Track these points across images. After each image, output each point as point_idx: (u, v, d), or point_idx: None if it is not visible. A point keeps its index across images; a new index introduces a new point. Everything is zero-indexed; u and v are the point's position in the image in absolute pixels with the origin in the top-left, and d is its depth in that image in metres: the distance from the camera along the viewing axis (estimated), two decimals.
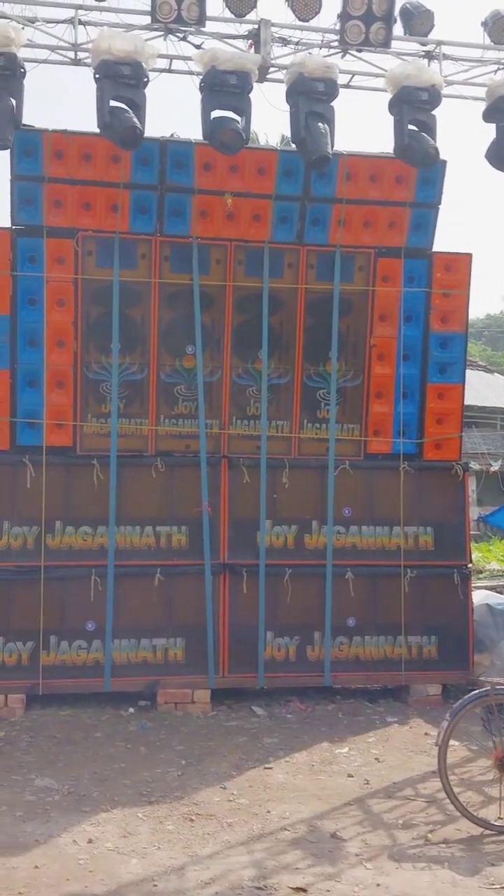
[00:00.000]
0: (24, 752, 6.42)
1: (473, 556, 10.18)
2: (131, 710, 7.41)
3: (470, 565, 8.25)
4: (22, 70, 6.59)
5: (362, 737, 6.96)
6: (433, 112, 7.07)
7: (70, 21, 6.86)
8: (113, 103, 6.60)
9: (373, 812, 5.50)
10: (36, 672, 7.34)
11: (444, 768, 5.18)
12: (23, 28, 6.67)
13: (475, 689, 5.55)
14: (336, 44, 7.12)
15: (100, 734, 6.85)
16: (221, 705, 7.56)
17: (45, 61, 7.06)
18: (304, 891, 4.42)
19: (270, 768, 6.21)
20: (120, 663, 7.51)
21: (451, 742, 5.35)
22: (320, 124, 6.81)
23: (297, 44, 7.20)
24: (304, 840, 5.05)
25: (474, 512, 19.52)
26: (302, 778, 6.05)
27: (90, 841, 4.96)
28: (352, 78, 7.55)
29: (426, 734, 6.99)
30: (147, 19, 6.82)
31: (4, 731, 6.85)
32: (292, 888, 4.44)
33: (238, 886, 4.45)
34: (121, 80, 6.58)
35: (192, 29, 6.90)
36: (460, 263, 8.16)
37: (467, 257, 8.19)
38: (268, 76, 7.20)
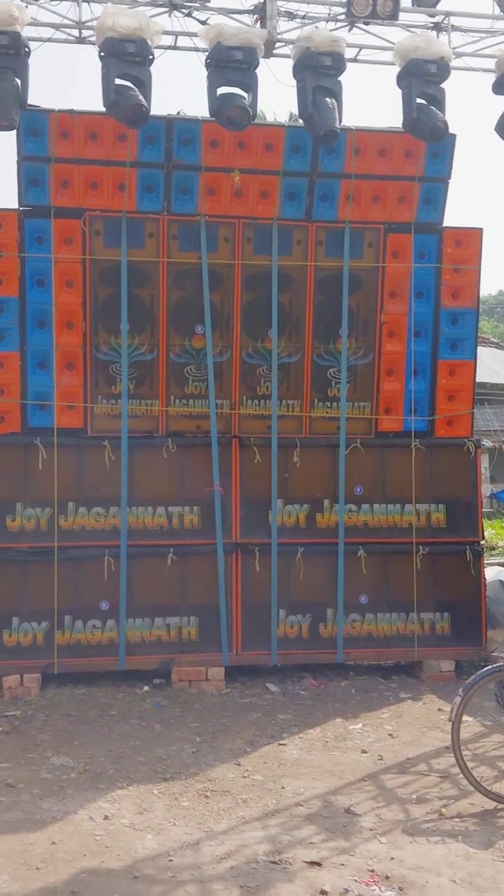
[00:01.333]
0: (40, 731, 6.49)
1: (486, 533, 10.17)
2: (146, 688, 7.47)
3: (482, 542, 8.23)
4: (26, 49, 6.54)
5: (376, 713, 7.00)
6: (442, 85, 6.98)
7: None
8: (118, 81, 6.55)
9: (386, 787, 5.53)
10: (51, 651, 7.40)
11: (458, 743, 5.20)
12: (26, 6, 6.61)
13: (488, 665, 5.57)
14: (343, 17, 7.04)
15: (115, 712, 6.92)
16: (235, 682, 7.61)
17: (49, 40, 7.00)
18: (319, 864, 4.46)
19: (284, 744, 6.26)
20: (134, 642, 7.57)
21: (465, 717, 5.37)
22: (328, 99, 6.74)
23: (303, 17, 7.12)
24: (319, 815, 5.09)
25: (486, 489, 19.51)
26: (316, 754, 6.10)
27: (106, 817, 5.02)
28: (359, 51, 7.46)
29: (439, 710, 7.02)
30: None
31: (21, 709, 6.93)
32: (307, 862, 4.49)
33: (253, 861, 4.50)
34: (126, 58, 6.52)
35: (197, 4, 6.83)
36: (471, 238, 8.09)
37: (478, 232, 8.12)
38: (274, 51, 7.13)
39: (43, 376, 7.57)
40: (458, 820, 5.02)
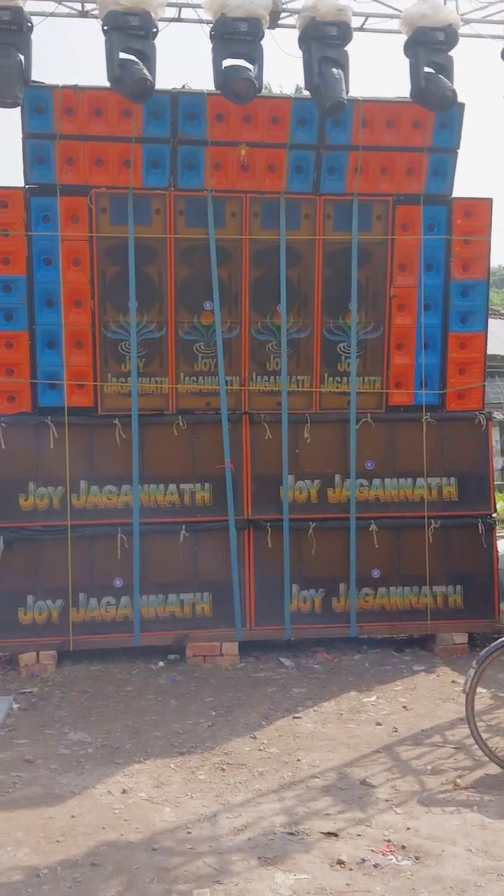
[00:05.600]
0: (57, 707, 6.55)
1: (498, 506, 10.15)
2: (161, 663, 7.53)
3: (494, 515, 8.22)
4: (29, 24, 6.47)
5: (390, 685, 7.04)
6: (450, 53, 6.88)
7: None
8: (122, 55, 6.48)
9: (401, 759, 5.57)
10: (66, 629, 7.46)
11: (472, 715, 5.23)
12: None
13: (501, 637, 5.57)
14: None
15: (130, 688, 6.98)
16: (249, 657, 7.66)
17: (51, 14, 6.93)
18: (336, 835, 4.51)
19: (299, 718, 6.30)
20: (148, 618, 7.62)
21: (479, 689, 5.40)
22: (334, 70, 6.65)
23: None
24: (334, 787, 5.14)
25: (498, 462, 19.42)
26: (331, 727, 6.14)
27: (124, 791, 5.08)
28: (365, 20, 7.35)
29: (453, 682, 7.05)
30: None
31: (37, 686, 7.00)
32: (324, 833, 4.53)
33: (270, 832, 4.55)
34: (129, 32, 6.44)
35: None
36: (481, 209, 8.01)
37: (488, 202, 8.03)
38: (279, 22, 7.03)
39: (52, 356, 7.57)
40: (473, 790, 5.05)
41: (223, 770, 5.39)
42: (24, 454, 7.57)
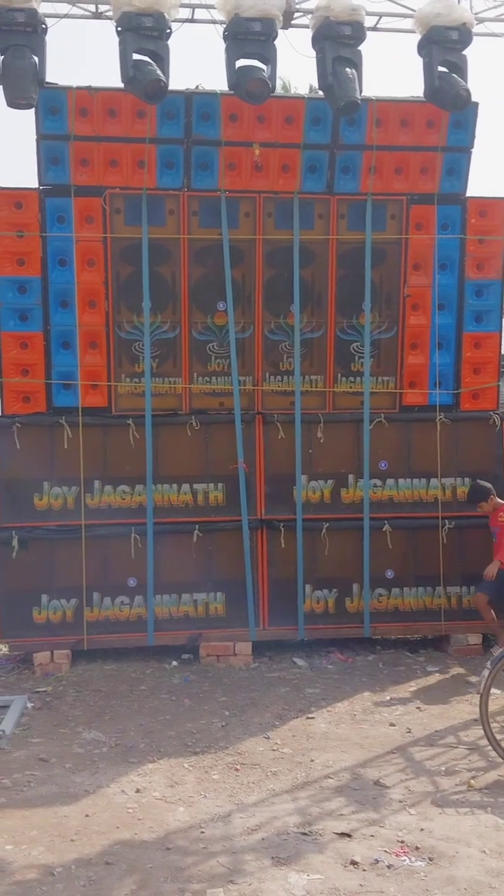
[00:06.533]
0: (72, 707, 6.58)
1: None
2: (174, 663, 7.54)
3: None
4: (43, 26, 6.51)
5: (403, 686, 7.02)
6: (464, 52, 6.87)
7: None
8: (136, 56, 6.51)
9: (415, 760, 5.56)
10: (80, 628, 7.49)
11: (486, 716, 5.22)
12: None
13: None
14: None
15: (144, 687, 7.00)
16: (263, 657, 7.66)
17: (65, 16, 6.97)
18: (349, 836, 4.50)
19: (313, 718, 6.30)
20: (162, 618, 7.64)
21: (493, 690, 5.38)
22: (348, 69, 6.66)
23: None
24: (348, 787, 5.14)
25: None
26: (344, 727, 6.14)
27: (138, 791, 5.09)
28: (379, 20, 7.36)
29: (467, 683, 7.03)
30: None
31: (52, 685, 7.03)
32: (337, 833, 4.53)
33: (283, 832, 4.55)
34: (143, 33, 6.47)
35: None
36: (495, 208, 7.97)
37: (502, 202, 7.99)
38: (292, 22, 7.04)
39: (67, 356, 7.59)
40: (487, 791, 5.04)
41: (237, 770, 5.39)
42: (39, 454, 7.59)
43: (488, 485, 7.68)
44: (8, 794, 5.06)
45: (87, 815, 4.78)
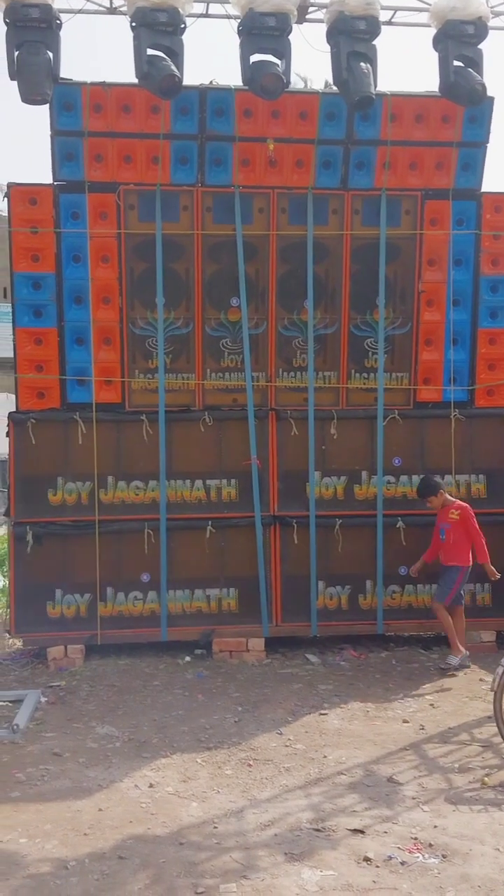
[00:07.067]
0: (85, 701, 6.60)
1: None
2: (187, 658, 7.55)
3: None
4: (58, 22, 6.52)
5: (417, 683, 7.00)
6: (480, 46, 6.83)
7: None
8: (150, 52, 6.51)
9: (428, 757, 5.55)
10: (94, 623, 7.51)
11: (500, 713, 5.20)
12: None
13: None
14: None
15: (157, 682, 7.01)
16: (276, 653, 7.66)
17: (80, 11, 6.96)
18: (362, 832, 4.50)
19: (326, 714, 6.30)
20: (175, 613, 7.65)
21: None
22: (362, 64, 6.63)
23: None
24: (361, 784, 5.13)
25: None
26: (357, 724, 6.13)
27: (151, 785, 5.10)
28: (394, 14, 7.32)
29: (481, 680, 7.01)
30: None
31: (65, 680, 7.05)
32: (350, 830, 4.53)
33: (297, 828, 4.55)
34: (157, 28, 6.47)
35: None
36: None
37: None
38: (307, 17, 7.01)
39: (81, 352, 7.61)
40: (500, 789, 5.02)
41: (250, 765, 5.40)
42: (53, 450, 7.63)
43: (440, 479, 7.64)
44: (22, 789, 5.08)
45: (100, 810, 4.79)
